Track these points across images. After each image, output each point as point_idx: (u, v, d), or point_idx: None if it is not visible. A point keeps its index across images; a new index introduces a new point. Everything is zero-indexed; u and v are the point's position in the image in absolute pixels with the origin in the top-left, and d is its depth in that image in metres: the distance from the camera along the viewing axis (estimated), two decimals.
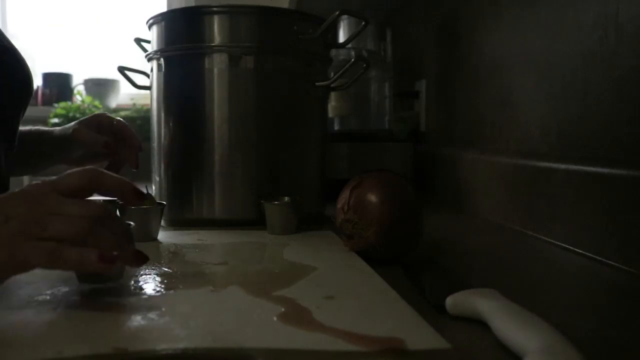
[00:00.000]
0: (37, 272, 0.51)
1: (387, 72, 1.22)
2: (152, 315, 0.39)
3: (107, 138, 0.77)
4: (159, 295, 0.44)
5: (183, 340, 0.35)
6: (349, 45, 1.00)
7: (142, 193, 0.47)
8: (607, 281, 0.54)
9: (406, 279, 0.51)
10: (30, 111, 0.82)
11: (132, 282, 0.47)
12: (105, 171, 0.45)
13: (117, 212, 0.67)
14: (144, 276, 0.49)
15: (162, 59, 0.81)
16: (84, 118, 0.82)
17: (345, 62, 0.84)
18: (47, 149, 0.85)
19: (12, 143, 0.73)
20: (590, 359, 0.30)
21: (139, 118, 1.83)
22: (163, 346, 0.34)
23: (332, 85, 0.83)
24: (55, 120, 1.77)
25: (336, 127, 1.21)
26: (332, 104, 1.15)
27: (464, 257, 0.64)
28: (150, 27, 0.84)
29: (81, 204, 0.42)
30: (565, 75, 0.70)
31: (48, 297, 0.43)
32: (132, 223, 0.52)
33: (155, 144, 0.83)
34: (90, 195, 0.45)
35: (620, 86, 0.60)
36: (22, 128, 0.82)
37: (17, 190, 0.43)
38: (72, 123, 0.80)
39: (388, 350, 0.33)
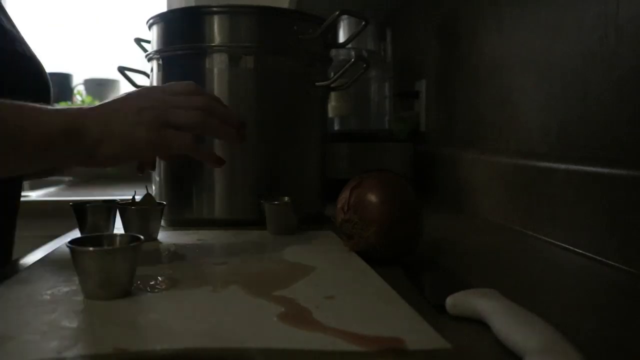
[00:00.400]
0: (38, 272, 0.51)
1: (387, 72, 1.22)
2: (152, 315, 0.39)
3: None
4: (159, 295, 0.44)
5: (183, 340, 0.35)
6: (349, 45, 1.00)
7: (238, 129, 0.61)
8: (607, 281, 0.54)
9: (406, 279, 0.51)
10: None
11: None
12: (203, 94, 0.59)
13: (117, 212, 0.67)
14: (144, 276, 0.49)
15: (162, 59, 0.81)
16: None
17: (345, 62, 0.84)
18: None
19: None
20: (590, 359, 0.30)
21: None
22: (163, 346, 0.34)
23: (332, 85, 0.83)
24: None
25: (336, 127, 1.21)
26: (332, 104, 1.15)
27: (464, 257, 0.64)
28: (150, 27, 0.84)
29: (194, 99, 0.57)
30: (565, 75, 0.70)
31: (48, 297, 0.43)
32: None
33: None
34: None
35: (620, 86, 0.60)
36: None
37: (132, 92, 0.58)
38: None
39: (388, 350, 0.33)
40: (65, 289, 0.45)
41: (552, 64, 0.73)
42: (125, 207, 0.65)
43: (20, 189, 0.74)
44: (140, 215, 0.65)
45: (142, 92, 0.58)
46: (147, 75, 0.88)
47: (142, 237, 0.46)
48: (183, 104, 0.56)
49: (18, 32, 0.72)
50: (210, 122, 0.57)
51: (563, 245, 0.66)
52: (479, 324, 0.38)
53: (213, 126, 0.58)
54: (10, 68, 0.66)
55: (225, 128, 0.59)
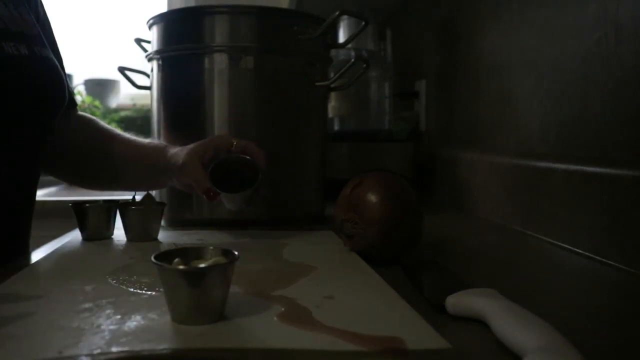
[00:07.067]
0: (38, 271, 0.51)
1: (387, 72, 1.22)
2: (152, 315, 0.39)
3: (210, 186, 0.65)
4: (159, 295, 0.44)
5: (183, 340, 0.35)
6: (349, 45, 1.00)
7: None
8: (607, 281, 0.54)
9: (406, 279, 0.51)
10: None
11: (133, 282, 0.47)
12: None
13: (117, 212, 0.67)
14: (143, 275, 0.49)
15: (162, 59, 0.81)
16: (199, 143, 0.68)
17: (345, 62, 0.84)
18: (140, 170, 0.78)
19: (33, 151, 0.69)
20: (590, 359, 0.30)
21: (139, 118, 1.83)
22: (163, 346, 0.34)
23: (332, 85, 0.83)
24: None
25: (336, 127, 1.21)
26: (332, 104, 1.15)
27: (464, 257, 0.64)
28: (150, 27, 0.84)
29: None
30: (565, 76, 0.70)
31: (48, 297, 0.43)
32: None
33: None
34: None
35: (620, 86, 0.60)
36: (120, 132, 0.80)
37: None
38: (185, 149, 0.68)
39: (388, 350, 0.33)
40: (65, 289, 0.45)
41: (552, 64, 0.73)
42: (125, 207, 0.65)
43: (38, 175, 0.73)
44: (140, 215, 0.66)
45: None
46: (147, 76, 0.88)
47: (236, 252, 0.41)
48: None
49: (35, 30, 0.71)
50: None
51: (563, 245, 0.66)
52: (479, 324, 0.38)
53: None
54: (14, 72, 0.64)
55: None
